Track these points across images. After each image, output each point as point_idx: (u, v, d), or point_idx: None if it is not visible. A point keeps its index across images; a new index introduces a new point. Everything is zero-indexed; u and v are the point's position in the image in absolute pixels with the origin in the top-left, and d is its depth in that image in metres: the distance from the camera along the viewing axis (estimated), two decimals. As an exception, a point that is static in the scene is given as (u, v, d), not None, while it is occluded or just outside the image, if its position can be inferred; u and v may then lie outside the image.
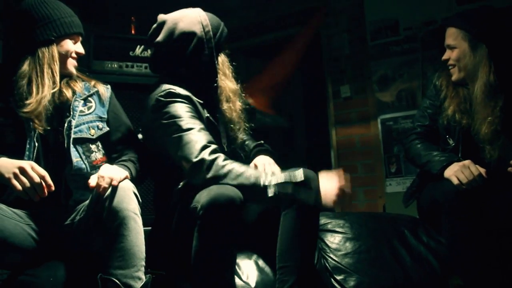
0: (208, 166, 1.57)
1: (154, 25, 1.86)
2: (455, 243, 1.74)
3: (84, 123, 1.74)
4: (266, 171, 1.74)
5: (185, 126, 1.65)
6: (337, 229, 2.07)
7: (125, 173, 1.57)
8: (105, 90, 1.86)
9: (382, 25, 3.43)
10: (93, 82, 1.84)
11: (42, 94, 1.62)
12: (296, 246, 1.59)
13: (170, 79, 1.78)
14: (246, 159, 1.92)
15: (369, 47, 3.49)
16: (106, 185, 1.47)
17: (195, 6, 1.96)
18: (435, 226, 2.02)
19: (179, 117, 1.67)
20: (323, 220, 2.11)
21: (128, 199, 1.48)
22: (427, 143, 2.01)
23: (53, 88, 1.66)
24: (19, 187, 1.41)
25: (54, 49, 1.68)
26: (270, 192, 1.51)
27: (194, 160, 1.58)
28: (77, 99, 1.75)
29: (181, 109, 1.69)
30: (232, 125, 1.85)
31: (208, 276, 1.49)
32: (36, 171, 1.43)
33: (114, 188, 1.48)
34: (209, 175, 1.56)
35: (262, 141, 1.97)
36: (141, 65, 2.77)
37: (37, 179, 1.42)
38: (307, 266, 1.62)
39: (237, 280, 1.76)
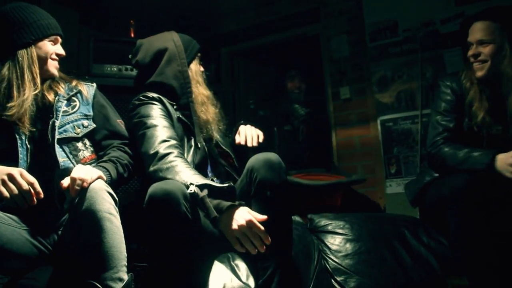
0: (159, 158, 1.64)
1: (134, 49, 2.03)
2: (460, 240, 1.72)
3: (68, 123, 1.74)
4: (247, 134, 1.95)
5: (150, 124, 1.76)
6: (338, 231, 2.07)
7: (98, 173, 1.53)
8: (87, 88, 1.86)
9: (381, 26, 3.43)
10: (74, 82, 1.84)
11: (23, 97, 1.62)
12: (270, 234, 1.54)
13: (148, 89, 1.92)
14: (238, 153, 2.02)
15: (368, 48, 3.49)
16: (77, 188, 1.45)
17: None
18: (437, 226, 2.02)
19: (147, 116, 1.80)
20: (323, 222, 2.12)
21: (101, 199, 1.45)
22: (458, 144, 1.91)
23: (34, 90, 1.66)
24: (6, 194, 1.40)
25: (33, 51, 1.68)
26: (190, 189, 1.51)
27: (151, 152, 1.67)
28: (60, 99, 1.75)
29: (149, 109, 1.82)
30: (208, 126, 1.95)
31: (158, 270, 1.50)
32: (25, 178, 1.42)
33: (85, 190, 1.45)
34: (154, 167, 1.62)
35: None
36: (140, 68, 2.77)
37: (25, 186, 1.41)
38: (283, 251, 1.63)
39: (236, 281, 1.76)
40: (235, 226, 1.47)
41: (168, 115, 1.85)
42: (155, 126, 1.76)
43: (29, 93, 1.64)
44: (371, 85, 3.47)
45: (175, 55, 1.95)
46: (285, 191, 1.64)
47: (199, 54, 2.07)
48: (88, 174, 1.49)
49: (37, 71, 1.68)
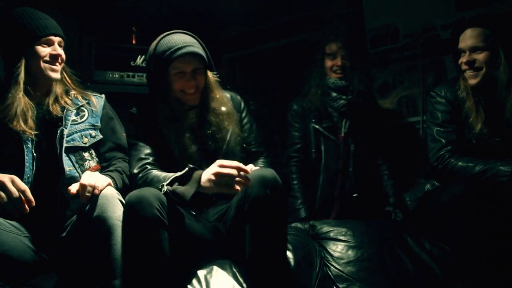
0: (135, 178, 1.77)
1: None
2: (459, 247, 1.73)
3: (76, 132, 1.75)
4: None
5: (131, 143, 1.88)
6: (340, 237, 2.06)
7: (108, 180, 1.55)
8: (97, 99, 1.88)
9: (381, 32, 3.43)
10: (84, 93, 1.87)
11: (12, 99, 1.63)
12: (256, 252, 1.59)
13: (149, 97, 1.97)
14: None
15: (369, 54, 3.49)
16: (88, 194, 1.46)
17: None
18: (440, 232, 2.01)
19: (130, 135, 1.91)
20: (325, 228, 2.12)
21: (113, 206, 1.46)
22: (468, 156, 1.89)
23: (24, 95, 1.66)
24: None
25: (23, 57, 1.67)
26: (163, 191, 1.59)
27: (132, 172, 1.80)
28: (69, 109, 1.77)
29: (134, 126, 1.91)
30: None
31: (130, 275, 1.51)
32: (16, 185, 1.41)
33: (97, 197, 1.46)
34: (139, 183, 1.74)
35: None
36: (142, 75, 2.79)
37: (16, 194, 1.40)
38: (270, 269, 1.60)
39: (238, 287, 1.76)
40: (210, 184, 1.56)
41: (148, 131, 1.87)
42: (134, 145, 1.86)
43: (16, 95, 1.64)
44: (372, 91, 3.46)
45: (152, 59, 1.92)
46: (278, 210, 1.60)
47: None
48: (99, 181, 1.50)
49: (22, 76, 1.66)
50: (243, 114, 2.10)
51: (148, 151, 1.83)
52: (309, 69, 2.80)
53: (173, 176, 1.63)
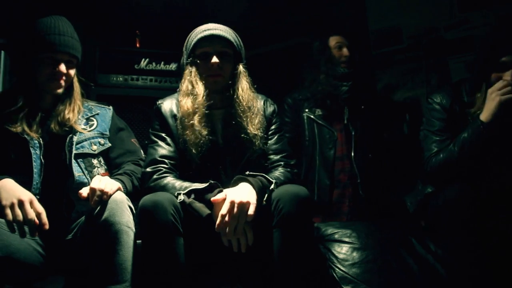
0: (147, 179, 1.73)
1: None
2: (455, 250, 1.73)
3: (86, 140, 1.77)
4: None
5: (151, 139, 1.85)
6: (344, 239, 2.06)
7: (117, 185, 1.56)
8: (105, 111, 1.92)
9: (385, 33, 3.43)
10: (93, 105, 1.91)
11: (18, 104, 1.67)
12: (286, 265, 1.57)
13: None
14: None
15: (372, 56, 3.49)
16: (97, 199, 1.47)
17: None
18: (442, 234, 2.01)
19: (151, 130, 1.89)
20: (329, 230, 2.11)
21: (121, 211, 1.47)
22: (445, 147, 1.91)
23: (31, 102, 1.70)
24: (10, 217, 1.40)
25: (30, 68, 1.71)
26: (179, 199, 1.57)
27: (144, 170, 1.77)
28: (79, 117, 1.80)
29: (154, 123, 1.90)
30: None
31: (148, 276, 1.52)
32: (34, 207, 1.42)
33: (106, 201, 1.47)
34: (147, 187, 1.71)
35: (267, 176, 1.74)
36: (146, 78, 2.79)
37: (31, 215, 1.41)
38: (299, 282, 1.58)
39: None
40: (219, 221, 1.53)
41: (168, 129, 1.85)
42: (153, 142, 1.84)
43: (23, 100, 1.69)
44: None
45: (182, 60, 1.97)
46: (307, 228, 1.64)
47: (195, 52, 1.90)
48: (108, 185, 1.51)
49: (29, 83, 1.71)
50: (273, 121, 2.00)
51: (164, 152, 1.79)
52: (313, 60, 2.84)
53: (191, 188, 1.60)
